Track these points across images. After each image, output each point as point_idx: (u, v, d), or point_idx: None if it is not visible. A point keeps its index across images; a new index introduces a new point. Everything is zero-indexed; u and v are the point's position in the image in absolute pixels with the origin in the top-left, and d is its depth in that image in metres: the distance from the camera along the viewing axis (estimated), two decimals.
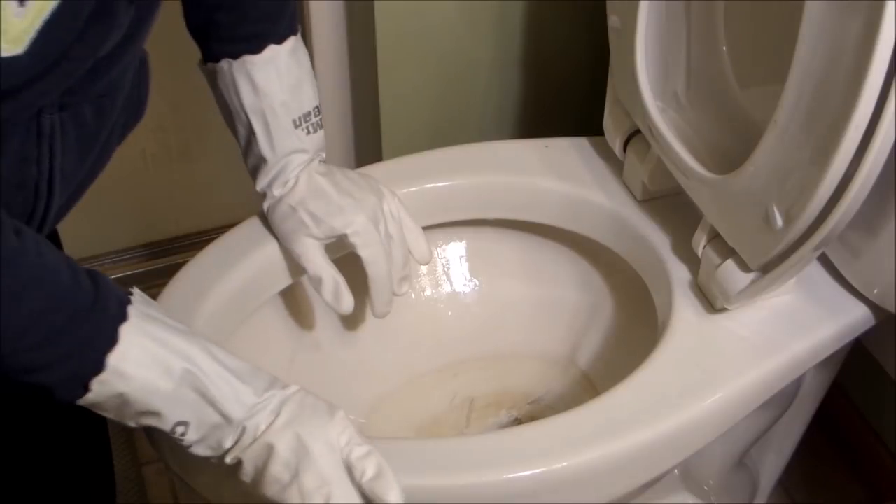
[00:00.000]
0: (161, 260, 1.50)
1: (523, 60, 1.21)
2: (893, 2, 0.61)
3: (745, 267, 0.80)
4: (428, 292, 1.05)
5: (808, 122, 0.69)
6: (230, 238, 0.90)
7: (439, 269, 1.04)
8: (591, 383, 1.04)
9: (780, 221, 0.73)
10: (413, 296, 1.03)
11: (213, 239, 0.91)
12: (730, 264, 0.81)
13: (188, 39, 0.83)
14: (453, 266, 1.05)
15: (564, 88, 1.26)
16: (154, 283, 0.96)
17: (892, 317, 0.86)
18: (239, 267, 0.88)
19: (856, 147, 0.66)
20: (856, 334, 0.86)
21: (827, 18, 0.66)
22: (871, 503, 1.24)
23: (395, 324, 1.03)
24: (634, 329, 1.01)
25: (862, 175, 0.67)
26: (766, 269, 0.79)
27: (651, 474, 0.81)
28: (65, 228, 0.81)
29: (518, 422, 1.04)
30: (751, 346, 0.82)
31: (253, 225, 0.90)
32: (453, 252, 1.04)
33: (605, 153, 1.00)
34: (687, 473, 1.04)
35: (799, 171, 0.71)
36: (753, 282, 0.80)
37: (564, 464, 0.74)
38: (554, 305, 1.05)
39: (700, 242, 0.85)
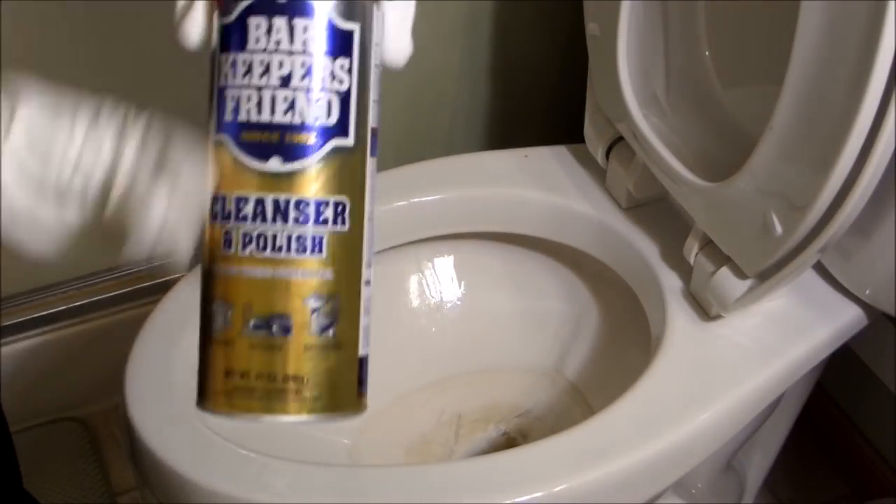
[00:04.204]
0: None
1: (491, 67, 1.20)
2: (895, 2, 0.60)
3: (741, 274, 0.79)
4: (412, 308, 1.03)
5: (808, 127, 0.68)
6: None
7: (423, 284, 1.02)
8: (579, 393, 1.02)
9: (779, 229, 0.72)
10: (397, 313, 1.01)
11: None
12: (725, 272, 0.80)
13: None
14: (437, 280, 1.03)
15: (532, 95, 1.25)
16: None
17: (881, 317, 0.85)
18: None
19: (858, 152, 0.65)
20: (850, 335, 0.85)
21: (825, 20, 0.64)
22: (854, 498, 1.25)
23: (380, 342, 1.00)
24: (622, 337, 0.99)
25: (864, 180, 0.66)
26: (763, 276, 0.77)
27: (655, 489, 0.79)
28: None
29: (507, 435, 1.03)
30: (750, 353, 0.81)
31: None
32: (438, 266, 1.02)
33: (586, 161, 0.98)
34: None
35: (798, 178, 0.69)
36: (751, 289, 0.78)
37: (565, 486, 0.72)
38: (540, 316, 1.04)
39: (692, 250, 0.84)
